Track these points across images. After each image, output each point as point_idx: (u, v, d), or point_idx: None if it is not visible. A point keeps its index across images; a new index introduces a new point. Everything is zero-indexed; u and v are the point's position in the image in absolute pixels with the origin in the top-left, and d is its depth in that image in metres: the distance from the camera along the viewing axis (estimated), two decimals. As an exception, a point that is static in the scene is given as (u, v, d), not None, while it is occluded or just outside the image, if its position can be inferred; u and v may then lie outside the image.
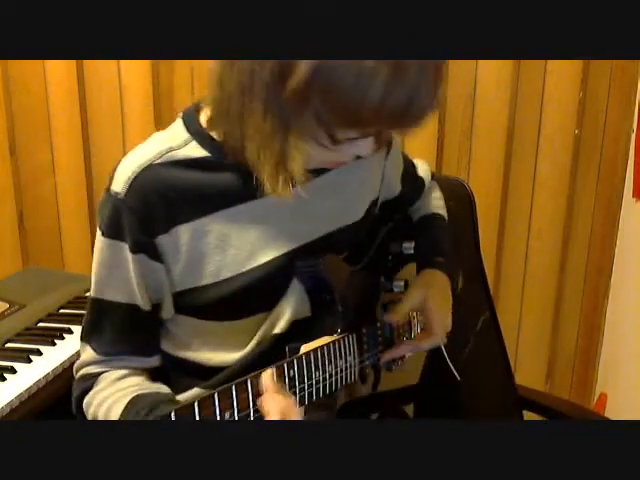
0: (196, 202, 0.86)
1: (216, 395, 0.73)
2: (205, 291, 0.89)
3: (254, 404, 0.76)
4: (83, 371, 0.94)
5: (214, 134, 0.87)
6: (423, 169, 1.19)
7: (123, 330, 0.91)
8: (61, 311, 1.41)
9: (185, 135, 0.88)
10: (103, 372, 0.92)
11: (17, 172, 2.01)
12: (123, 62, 1.89)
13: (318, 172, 0.92)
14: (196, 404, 0.71)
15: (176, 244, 0.86)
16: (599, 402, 1.93)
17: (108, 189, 0.86)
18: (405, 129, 0.78)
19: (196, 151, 0.87)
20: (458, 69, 1.80)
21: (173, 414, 0.69)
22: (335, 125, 0.75)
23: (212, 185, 0.87)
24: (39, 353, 1.22)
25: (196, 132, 0.88)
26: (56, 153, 2.00)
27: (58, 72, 1.92)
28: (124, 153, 0.88)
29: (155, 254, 0.86)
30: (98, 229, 0.89)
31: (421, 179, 1.17)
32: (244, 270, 0.89)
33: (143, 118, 1.92)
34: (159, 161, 0.85)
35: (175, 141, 0.87)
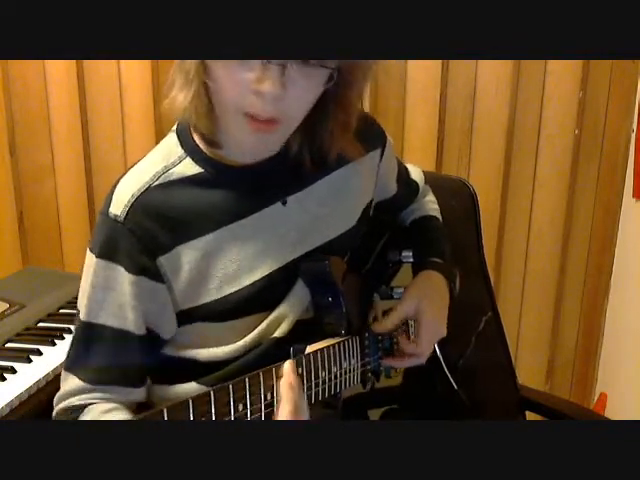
0: (196, 221, 0.87)
1: (230, 387, 0.73)
2: (208, 306, 0.89)
3: (265, 398, 0.77)
4: (66, 403, 0.89)
5: (206, 149, 0.89)
6: (416, 174, 1.19)
7: (112, 357, 0.88)
8: (61, 311, 1.41)
9: (179, 152, 0.89)
10: (88, 404, 0.88)
11: (17, 172, 2.01)
12: (123, 62, 1.89)
13: (312, 180, 0.95)
14: (212, 393, 0.71)
15: (178, 263, 0.87)
16: (599, 402, 1.94)
17: (106, 212, 0.86)
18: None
19: (190, 168, 0.88)
20: (458, 69, 1.81)
21: (191, 403, 0.69)
22: None
23: (210, 202, 0.88)
24: (39, 353, 1.22)
25: (190, 149, 0.89)
26: (56, 153, 2.00)
27: (58, 72, 1.92)
28: (124, 153, 0.88)
29: (157, 275, 0.86)
30: (89, 251, 0.87)
31: (415, 182, 1.18)
32: (246, 284, 0.90)
33: (143, 118, 1.92)
34: (157, 183, 0.87)
35: (170, 159, 0.89)
